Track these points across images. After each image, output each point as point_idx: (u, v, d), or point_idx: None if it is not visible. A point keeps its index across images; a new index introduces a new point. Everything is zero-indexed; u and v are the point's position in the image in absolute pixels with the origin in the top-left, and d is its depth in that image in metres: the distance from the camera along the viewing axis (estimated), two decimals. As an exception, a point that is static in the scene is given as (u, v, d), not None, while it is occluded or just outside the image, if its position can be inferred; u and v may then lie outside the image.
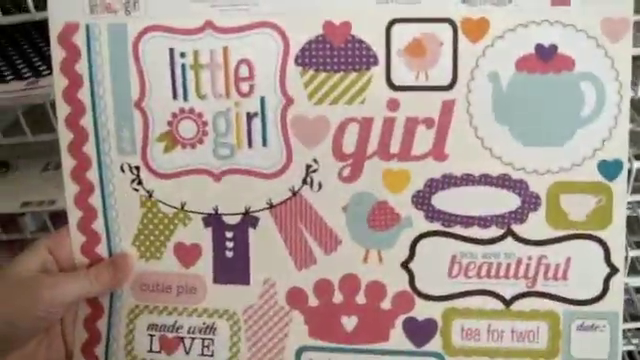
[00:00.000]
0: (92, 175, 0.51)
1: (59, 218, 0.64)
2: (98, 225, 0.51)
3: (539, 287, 0.49)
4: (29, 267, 0.48)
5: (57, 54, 0.49)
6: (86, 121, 0.49)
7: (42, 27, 0.55)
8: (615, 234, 0.47)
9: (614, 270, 0.48)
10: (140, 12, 0.48)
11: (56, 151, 0.51)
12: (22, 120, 0.61)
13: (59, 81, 0.49)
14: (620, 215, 0.47)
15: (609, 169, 0.47)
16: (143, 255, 0.52)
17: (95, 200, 0.51)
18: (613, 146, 0.47)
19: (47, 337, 0.51)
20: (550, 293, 0.48)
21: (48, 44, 0.49)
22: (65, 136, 0.50)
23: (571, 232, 0.48)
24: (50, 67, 0.51)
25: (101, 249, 0.52)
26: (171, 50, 0.48)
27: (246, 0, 0.48)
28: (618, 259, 0.48)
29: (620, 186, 0.47)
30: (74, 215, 0.51)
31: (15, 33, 0.75)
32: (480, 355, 0.49)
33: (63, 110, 0.49)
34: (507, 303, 0.49)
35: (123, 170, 0.50)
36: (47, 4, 0.49)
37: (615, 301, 0.48)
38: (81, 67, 0.49)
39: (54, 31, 0.49)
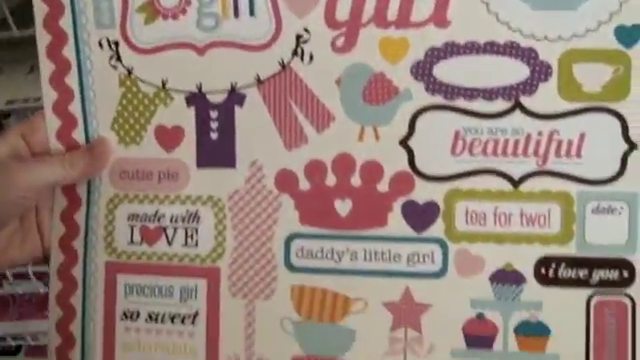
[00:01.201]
0: (68, 52, 0.47)
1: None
2: (75, 107, 0.48)
3: (550, 165, 0.44)
4: None
5: None
6: (61, -7, 0.46)
7: None
8: (633, 106, 0.43)
9: (632, 146, 0.43)
10: None
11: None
12: (8, 16, 0.58)
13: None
14: (639, 85, 0.42)
15: (627, 35, 0.43)
16: (122, 140, 0.48)
17: (72, 80, 0.48)
18: (631, 9, 0.42)
19: (21, 231, 0.48)
20: (562, 172, 0.44)
21: None
22: (40, 8, 0.46)
23: (585, 105, 0.44)
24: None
25: (78, 134, 0.48)
26: None
27: None
28: (637, 134, 0.43)
29: (639, 54, 0.42)
30: (49, 96, 0.48)
31: None
32: (486, 241, 0.44)
33: (37, -19, 0.46)
34: (515, 183, 0.44)
35: (101, 45, 0.47)
36: None
37: (634, 180, 0.44)
38: None
39: None
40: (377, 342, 0.45)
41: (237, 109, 0.46)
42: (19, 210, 0.46)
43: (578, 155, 0.44)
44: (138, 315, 0.48)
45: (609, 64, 0.43)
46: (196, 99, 0.47)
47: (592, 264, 0.44)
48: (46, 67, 0.48)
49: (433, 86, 0.45)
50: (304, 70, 0.45)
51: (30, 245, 0.48)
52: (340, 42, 0.45)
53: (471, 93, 0.44)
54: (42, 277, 0.71)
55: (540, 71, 0.44)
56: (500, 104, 0.44)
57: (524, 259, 0.44)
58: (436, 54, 0.44)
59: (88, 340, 0.48)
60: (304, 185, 0.46)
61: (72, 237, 0.49)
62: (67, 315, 0.48)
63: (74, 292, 0.48)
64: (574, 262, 0.44)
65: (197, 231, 0.47)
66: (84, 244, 0.49)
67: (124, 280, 0.48)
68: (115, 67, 0.47)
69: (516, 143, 0.44)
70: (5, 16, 0.57)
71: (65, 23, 0.47)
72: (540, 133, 0.44)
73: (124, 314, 0.48)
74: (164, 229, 0.48)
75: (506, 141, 0.44)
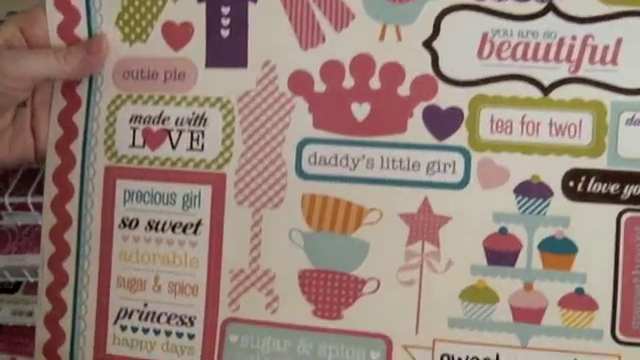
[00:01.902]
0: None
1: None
2: (78, 1, 0.45)
3: (583, 72, 0.41)
4: None
5: None
6: None
7: None
8: (680, 10, 0.39)
9: (673, 54, 0.40)
10: None
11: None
12: None
13: None
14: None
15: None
16: (127, 37, 0.45)
17: (75, -29, 0.44)
18: None
19: (12, 128, 0.45)
20: (596, 80, 0.41)
21: None
22: None
23: (624, 8, 0.41)
24: None
25: (80, 30, 0.45)
26: None
27: None
28: (682, 39, 0.40)
29: None
30: (52, -15, 0.44)
31: None
32: (512, 150, 0.41)
33: None
34: (545, 90, 0.41)
35: None
36: None
37: (675, 89, 0.40)
38: None
39: None
40: (392, 256, 0.42)
41: (251, 5, 0.44)
42: (9, 102, 0.44)
43: (614, 62, 0.41)
44: (137, 223, 0.45)
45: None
46: (207, -7, 0.44)
47: (624, 178, 0.41)
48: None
49: (461, -16, 0.41)
50: (324, -37, 0.42)
51: (21, 145, 0.45)
52: None
53: (501, -8, 0.41)
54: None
55: (577, -30, 0.40)
56: (532, 5, 0.41)
57: (552, 171, 0.41)
58: (466, -51, 0.41)
59: (83, 250, 0.46)
60: (319, 87, 0.43)
61: (70, 140, 0.46)
62: (61, 222, 0.46)
63: (70, 198, 0.45)
64: (605, 176, 0.41)
65: (203, 134, 0.44)
66: (82, 148, 0.46)
67: (124, 186, 0.45)
68: (122, -42, 0.44)
69: (548, 47, 0.41)
70: None
71: None
72: (574, 37, 0.41)
73: (122, 222, 0.45)
74: (168, 132, 0.45)
75: (537, 45, 0.41)
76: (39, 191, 0.53)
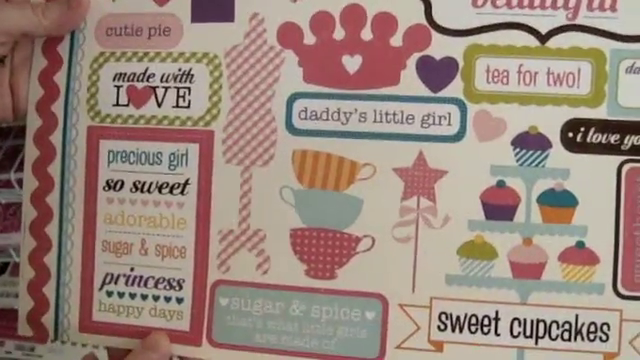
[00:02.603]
0: None
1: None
2: (59, -44, 0.43)
3: (582, 20, 0.40)
4: None
5: None
6: None
7: None
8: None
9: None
10: None
11: None
12: None
13: None
14: None
15: None
16: (111, -9, 0.43)
17: None
18: None
19: None
20: (595, 27, 0.40)
21: None
22: None
23: (623, -48, 0.38)
24: None
25: (61, -15, 0.43)
26: None
27: None
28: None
29: None
30: (31, -59, 0.42)
31: None
32: (509, 101, 0.40)
33: None
34: (543, 39, 0.40)
35: None
36: None
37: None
38: None
39: None
40: (386, 212, 0.41)
41: (238, -44, 0.42)
42: None
43: (613, 9, 0.40)
44: (122, 184, 0.43)
45: None
46: (192, -55, 0.42)
47: (625, 128, 0.39)
48: None
49: None
50: None
51: None
52: None
53: (496, -60, 0.40)
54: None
55: None
56: (528, -49, 0.39)
57: (550, 122, 0.40)
58: None
59: (67, 213, 0.44)
60: (309, 39, 0.41)
61: (51, 100, 0.44)
62: (43, 185, 0.44)
63: (52, 160, 0.44)
64: (605, 126, 0.40)
65: (190, 91, 0.43)
66: (64, 108, 0.44)
67: (108, 146, 0.43)
68: None
69: (544, -6, 0.40)
70: None
71: None
72: (571, -17, 0.39)
73: (107, 184, 0.43)
74: (154, 89, 0.43)
75: (534, -8, 0.40)
76: (23, 168, 0.51)
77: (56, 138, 0.44)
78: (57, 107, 0.44)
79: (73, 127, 0.44)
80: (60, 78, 0.44)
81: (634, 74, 0.40)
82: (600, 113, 0.40)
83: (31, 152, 0.44)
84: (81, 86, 0.44)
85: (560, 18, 0.40)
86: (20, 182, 0.62)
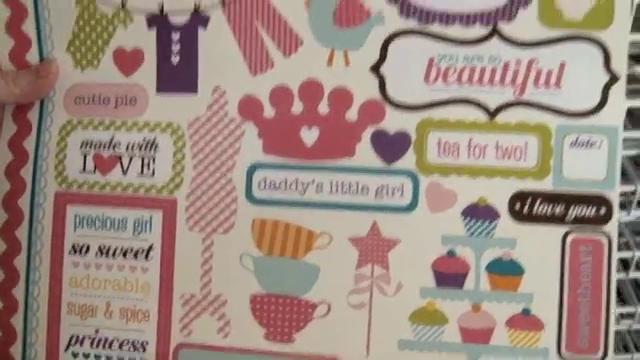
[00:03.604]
0: (22, -33, 0.44)
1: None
2: (28, 26, 0.45)
3: (528, 96, 0.42)
4: None
5: None
6: None
7: None
8: (616, 36, 0.41)
9: (614, 78, 0.41)
10: None
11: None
12: None
13: None
14: (623, 14, 0.41)
15: (611, -39, 0.40)
16: (79, 63, 0.45)
17: (25, -3, 0.44)
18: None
19: None
20: (541, 103, 0.42)
21: None
22: None
23: (566, 32, 0.42)
24: None
25: (31, 55, 0.45)
26: None
27: None
28: (619, 65, 0.41)
29: None
30: (2, 14, 0.44)
31: None
32: (459, 173, 0.42)
33: None
34: (491, 114, 0.42)
35: (56, -39, 0.43)
36: None
37: (614, 114, 0.41)
38: None
39: None
40: (342, 279, 0.42)
41: (200, 31, 0.44)
42: None
43: (557, 85, 0.42)
44: (88, 249, 0.45)
45: (591, -10, 0.41)
46: (157, 20, 0.44)
47: (569, 200, 0.42)
48: (-2, -17, 0.44)
49: (407, 9, 0.42)
50: (272, -10, 0.42)
51: None
52: (310, -39, 0.42)
53: (447, 17, 0.42)
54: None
55: (519, -4, 0.41)
56: (477, 30, 0.42)
57: (498, 194, 0.42)
58: (411, -24, 0.42)
59: (33, 276, 0.45)
60: (269, 112, 0.43)
61: (20, 165, 0.46)
62: (11, 249, 0.45)
63: (19, 224, 0.45)
64: (550, 197, 0.42)
65: (154, 160, 0.44)
66: (32, 173, 0.45)
67: (74, 211, 0.45)
68: (71, -16, 0.44)
69: (493, 71, 0.42)
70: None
71: None
72: (518, 62, 0.42)
73: (73, 248, 0.45)
74: (119, 157, 0.45)
75: (482, 69, 0.42)
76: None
77: (24, 202, 0.45)
78: (26, 172, 0.46)
79: (41, 192, 0.45)
80: (29, 144, 0.46)
81: (578, 148, 0.42)
82: (546, 185, 0.42)
83: (-1, 216, 0.46)
84: (49, 152, 0.46)
85: (508, 94, 0.42)
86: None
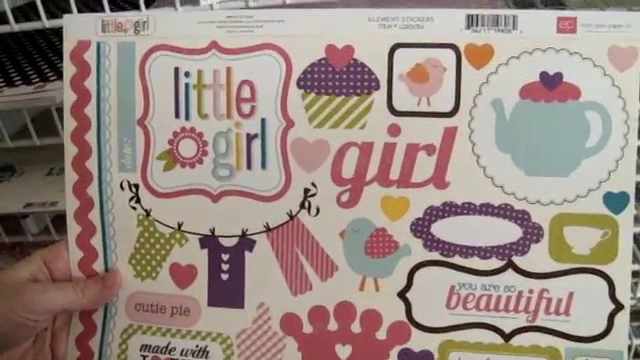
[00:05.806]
0: (92, 191, 0.51)
1: (61, 221, 0.64)
2: (96, 241, 0.51)
3: (540, 322, 0.47)
4: (17, 275, 0.48)
5: (68, 70, 0.50)
6: (90, 136, 0.50)
7: (48, 33, 0.54)
8: (620, 269, 0.46)
9: (619, 306, 0.46)
10: (149, 32, 0.49)
11: (60, 157, 0.51)
12: (30, 124, 0.62)
13: (68, 96, 0.50)
14: (626, 249, 0.46)
15: (615, 202, 0.46)
16: (139, 274, 0.51)
17: (94, 216, 0.51)
18: (619, 178, 0.46)
19: (33, 348, 0.51)
20: (551, 328, 0.47)
21: (54, 50, 0.50)
22: (70, 150, 0.50)
23: (574, 266, 0.47)
24: (57, 73, 0.51)
25: (98, 266, 0.52)
26: (176, 69, 0.49)
27: (251, 22, 0.48)
28: (623, 295, 0.46)
29: (626, 219, 0.46)
30: (73, 230, 0.51)
31: (22, 39, 0.76)
32: (477, 389, 0.47)
33: (70, 125, 0.50)
34: (506, 337, 0.47)
35: (122, 187, 0.50)
36: (62, 22, 0.51)
37: (619, 339, 0.46)
38: (90, 83, 0.49)
39: (67, 48, 0.50)
40: None
41: (247, 253, 0.50)
42: (32, 332, 0.50)
43: (567, 313, 0.47)
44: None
45: (598, 228, 0.46)
46: (209, 242, 0.50)
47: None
48: (71, 203, 0.51)
49: (431, 243, 0.48)
50: (310, 222, 0.49)
51: None
52: (345, 197, 0.48)
53: (467, 251, 0.47)
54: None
55: (532, 233, 0.47)
56: (494, 262, 0.47)
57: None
58: (435, 213, 0.48)
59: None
60: (307, 329, 0.49)
61: (88, 361, 0.52)
62: None
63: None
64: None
65: (206, 366, 0.50)
66: (98, 371, 0.51)
67: (135, 410, 0.51)
68: (134, 208, 0.51)
69: (508, 299, 0.47)
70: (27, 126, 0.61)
71: (91, 164, 0.51)
72: (531, 291, 0.47)
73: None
74: (175, 361, 0.51)
75: (498, 297, 0.47)
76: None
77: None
78: (92, 371, 0.52)
79: (104, 386, 0.52)
80: (94, 343, 0.52)
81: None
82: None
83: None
84: (112, 352, 0.52)
85: (521, 320, 0.48)
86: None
